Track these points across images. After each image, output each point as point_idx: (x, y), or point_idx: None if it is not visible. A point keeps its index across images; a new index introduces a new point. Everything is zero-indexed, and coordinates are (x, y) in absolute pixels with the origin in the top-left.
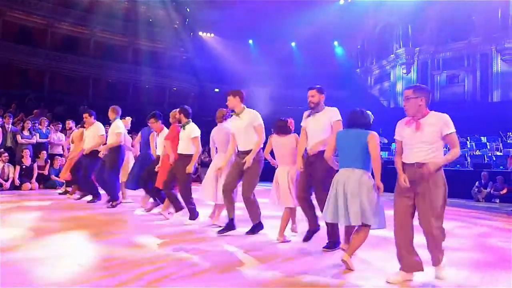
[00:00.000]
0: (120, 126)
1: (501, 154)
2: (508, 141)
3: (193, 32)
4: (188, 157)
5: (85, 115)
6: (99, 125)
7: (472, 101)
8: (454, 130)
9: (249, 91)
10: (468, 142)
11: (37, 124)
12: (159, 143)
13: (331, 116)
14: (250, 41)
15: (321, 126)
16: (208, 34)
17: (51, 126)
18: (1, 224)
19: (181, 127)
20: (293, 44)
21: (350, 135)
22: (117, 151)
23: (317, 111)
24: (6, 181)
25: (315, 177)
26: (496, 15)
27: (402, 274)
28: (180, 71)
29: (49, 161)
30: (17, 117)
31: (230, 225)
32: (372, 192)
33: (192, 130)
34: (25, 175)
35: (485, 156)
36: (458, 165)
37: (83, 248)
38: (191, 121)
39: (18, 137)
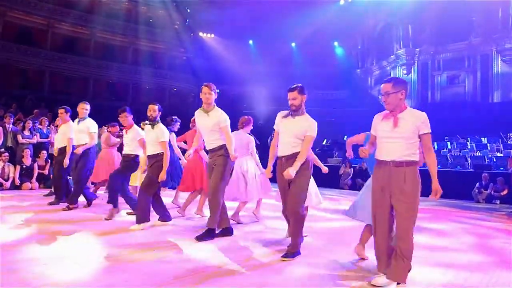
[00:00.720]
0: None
1: (501, 155)
2: (509, 142)
3: (193, 33)
4: (156, 156)
5: (61, 111)
6: (92, 122)
7: (472, 102)
8: (430, 131)
9: (249, 91)
10: (468, 143)
11: (38, 124)
12: (128, 141)
13: (307, 128)
14: (250, 42)
15: (296, 131)
16: (208, 35)
17: (51, 126)
18: (0, 224)
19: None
20: (293, 44)
21: None
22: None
23: (297, 114)
24: (6, 180)
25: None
26: (497, 15)
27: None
28: (180, 71)
29: (49, 160)
30: (16, 117)
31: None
32: None
33: (162, 133)
34: (26, 174)
35: (485, 157)
36: (458, 166)
37: (84, 249)
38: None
39: (19, 137)
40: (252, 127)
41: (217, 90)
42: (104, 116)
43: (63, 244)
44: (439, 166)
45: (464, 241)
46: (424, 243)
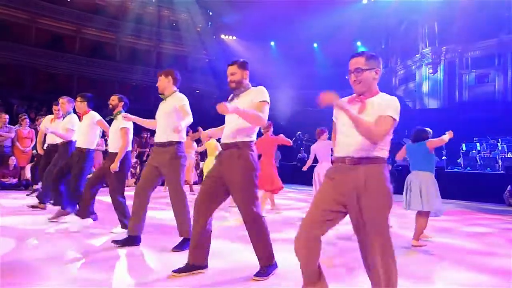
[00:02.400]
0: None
1: None
2: None
3: (215, 35)
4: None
5: (79, 98)
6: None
7: (503, 101)
8: (394, 116)
9: (271, 93)
10: (499, 144)
11: None
12: (82, 128)
13: (253, 97)
14: (272, 43)
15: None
16: (230, 37)
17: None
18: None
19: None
20: (315, 45)
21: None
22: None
23: (240, 92)
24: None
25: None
26: None
27: None
28: (202, 73)
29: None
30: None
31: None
32: None
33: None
34: None
35: None
36: (488, 168)
37: (89, 249)
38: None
39: None
40: None
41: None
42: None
43: (71, 244)
44: (468, 168)
45: (495, 247)
46: (455, 246)
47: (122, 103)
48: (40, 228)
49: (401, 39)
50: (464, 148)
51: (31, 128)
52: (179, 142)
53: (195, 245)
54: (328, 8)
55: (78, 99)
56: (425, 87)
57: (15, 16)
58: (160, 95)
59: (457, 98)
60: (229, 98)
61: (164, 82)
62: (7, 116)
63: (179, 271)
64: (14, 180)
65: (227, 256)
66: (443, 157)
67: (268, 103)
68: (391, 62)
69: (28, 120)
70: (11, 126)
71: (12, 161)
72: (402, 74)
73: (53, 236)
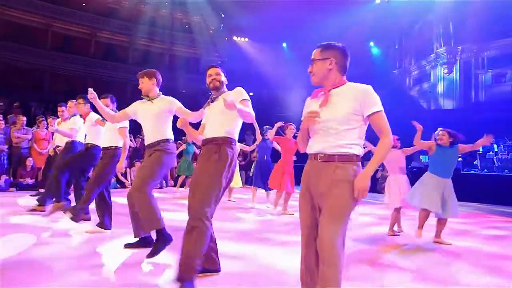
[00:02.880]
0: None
1: None
2: None
3: (227, 37)
4: (111, 149)
5: (80, 100)
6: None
7: None
8: (382, 109)
9: (284, 94)
10: None
11: None
12: (86, 131)
13: (234, 98)
14: (284, 44)
15: (222, 108)
16: (242, 39)
17: None
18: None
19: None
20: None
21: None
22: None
23: (219, 94)
24: None
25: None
26: None
27: None
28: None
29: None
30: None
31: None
32: None
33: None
34: None
35: None
36: (506, 170)
37: (101, 250)
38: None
39: None
40: None
41: (251, 93)
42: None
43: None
44: (485, 170)
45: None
46: (472, 248)
47: (112, 103)
48: (53, 227)
49: (415, 39)
50: (481, 149)
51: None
52: (167, 140)
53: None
54: (340, 9)
55: (80, 101)
56: (440, 88)
57: (32, 21)
58: (143, 97)
59: (473, 99)
60: (209, 101)
61: (148, 84)
62: (24, 118)
63: None
64: (31, 181)
65: (245, 259)
66: (459, 159)
67: (249, 100)
68: (405, 63)
69: (45, 122)
70: (28, 128)
71: (30, 162)
72: (416, 75)
73: (64, 236)
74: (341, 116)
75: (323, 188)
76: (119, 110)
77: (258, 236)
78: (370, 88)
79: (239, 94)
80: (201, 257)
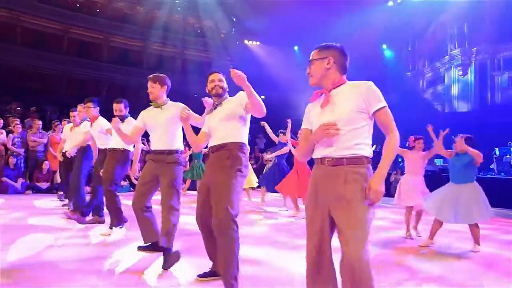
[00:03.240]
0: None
1: None
2: None
3: (239, 41)
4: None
5: (88, 104)
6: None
7: None
8: (386, 104)
9: (295, 97)
10: None
11: None
12: (94, 135)
13: (241, 100)
14: (295, 47)
15: (227, 112)
16: (254, 42)
17: None
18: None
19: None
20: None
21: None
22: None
23: (222, 100)
24: None
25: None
26: None
27: None
28: (227, 79)
29: None
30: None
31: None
32: None
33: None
34: None
35: None
36: None
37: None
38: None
39: None
40: None
41: (262, 97)
42: None
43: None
44: (502, 174)
45: None
46: (488, 254)
47: (125, 108)
48: (68, 230)
49: (429, 40)
50: (497, 153)
51: None
52: (177, 151)
53: (214, 254)
54: (352, 12)
55: (89, 104)
56: (455, 90)
57: (49, 27)
58: (152, 103)
59: (489, 101)
60: (211, 108)
61: (159, 91)
62: (40, 122)
63: (204, 275)
64: (47, 184)
65: (261, 263)
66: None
67: None
68: (419, 65)
69: (60, 126)
70: (44, 131)
71: (46, 165)
72: (430, 77)
73: (81, 238)
74: (345, 115)
75: (333, 195)
76: (132, 115)
77: (271, 239)
78: (372, 84)
79: (244, 97)
80: (236, 264)
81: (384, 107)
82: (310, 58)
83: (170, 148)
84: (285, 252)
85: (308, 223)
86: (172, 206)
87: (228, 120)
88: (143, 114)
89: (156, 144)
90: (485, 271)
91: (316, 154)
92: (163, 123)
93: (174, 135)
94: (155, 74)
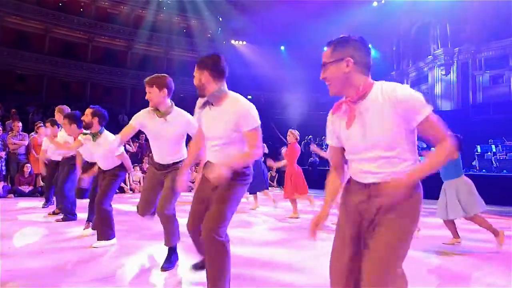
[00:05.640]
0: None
1: None
2: None
3: (225, 41)
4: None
5: (65, 121)
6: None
7: None
8: (432, 108)
9: (282, 97)
10: None
11: None
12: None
13: (239, 116)
14: (282, 47)
15: (224, 125)
16: (240, 42)
17: None
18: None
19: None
20: (325, 48)
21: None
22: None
23: (218, 97)
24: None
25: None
26: None
27: None
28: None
29: None
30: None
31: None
32: None
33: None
34: None
35: None
36: (504, 171)
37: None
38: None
39: None
40: None
41: (249, 96)
42: None
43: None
44: (483, 170)
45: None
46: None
47: (97, 118)
48: (53, 235)
49: (413, 41)
50: (479, 150)
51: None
52: (183, 158)
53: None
54: (338, 12)
55: (66, 121)
56: (438, 89)
57: (30, 26)
58: (156, 112)
59: (471, 100)
60: (202, 102)
61: (158, 97)
62: (20, 124)
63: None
64: (30, 187)
65: (261, 263)
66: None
67: (259, 125)
68: (403, 65)
69: (43, 128)
70: (25, 133)
71: (27, 168)
72: (414, 76)
73: (65, 245)
74: (383, 140)
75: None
76: (118, 115)
77: (277, 241)
78: (407, 87)
79: (248, 122)
80: (227, 274)
81: (428, 115)
82: (323, 60)
83: (176, 161)
84: (286, 252)
85: (339, 235)
86: (168, 211)
87: (222, 121)
88: (145, 116)
89: (161, 158)
90: (494, 266)
91: (356, 177)
92: (169, 137)
93: (180, 146)
94: (151, 76)
